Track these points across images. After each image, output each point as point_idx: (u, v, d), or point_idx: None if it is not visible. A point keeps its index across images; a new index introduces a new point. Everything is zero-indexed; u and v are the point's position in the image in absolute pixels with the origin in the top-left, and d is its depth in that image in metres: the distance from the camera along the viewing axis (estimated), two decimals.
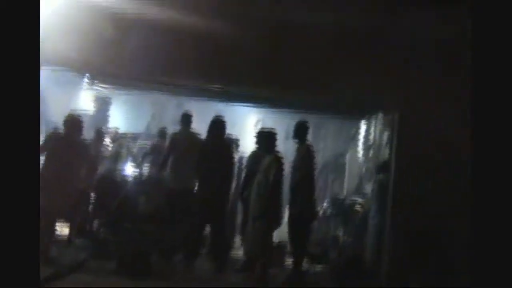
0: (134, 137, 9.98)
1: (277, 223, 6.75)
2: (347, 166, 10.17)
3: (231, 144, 7.83)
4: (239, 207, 7.92)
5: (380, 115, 8.35)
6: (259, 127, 8.27)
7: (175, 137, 7.69)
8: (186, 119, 7.68)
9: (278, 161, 6.59)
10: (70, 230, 7.78)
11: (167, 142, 8.01)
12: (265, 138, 6.99)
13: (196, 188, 7.32)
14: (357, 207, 7.92)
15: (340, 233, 8.13)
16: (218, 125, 7.16)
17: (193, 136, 7.49)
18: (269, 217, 6.48)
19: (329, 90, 7.16)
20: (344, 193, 9.72)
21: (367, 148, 9.13)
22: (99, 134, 9.08)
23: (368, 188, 8.49)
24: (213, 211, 7.02)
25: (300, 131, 7.11)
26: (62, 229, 7.78)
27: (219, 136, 7.17)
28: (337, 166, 10.48)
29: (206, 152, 7.06)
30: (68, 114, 6.95)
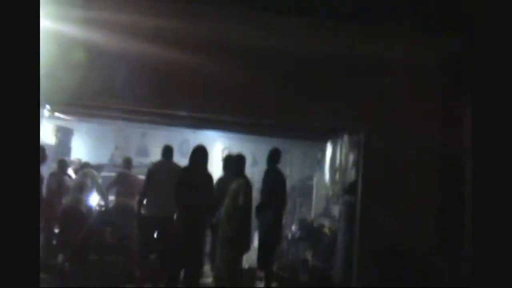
0: (98, 168, 9.82)
1: (247, 247, 6.71)
2: (314, 189, 10.25)
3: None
4: (207, 233, 7.81)
5: (346, 137, 8.45)
6: (225, 153, 8.25)
7: (154, 167, 7.61)
8: (167, 151, 7.61)
9: (246, 185, 6.57)
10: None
11: (146, 173, 7.81)
12: (233, 161, 6.99)
13: (174, 216, 7.13)
14: (325, 229, 7.95)
15: (309, 256, 8.12)
16: (200, 153, 7.10)
17: (173, 167, 7.42)
18: (238, 242, 6.44)
19: (294, 115, 7.21)
20: (312, 216, 9.76)
21: (333, 170, 9.23)
22: (62, 165, 8.93)
23: (336, 210, 8.57)
24: (191, 237, 6.90)
25: (273, 156, 7.38)
26: None
27: (202, 165, 7.09)
28: (305, 189, 10.54)
29: (186, 181, 6.98)
30: None
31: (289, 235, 8.53)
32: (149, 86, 6.84)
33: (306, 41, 6.67)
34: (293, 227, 8.99)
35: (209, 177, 7.14)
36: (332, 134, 8.74)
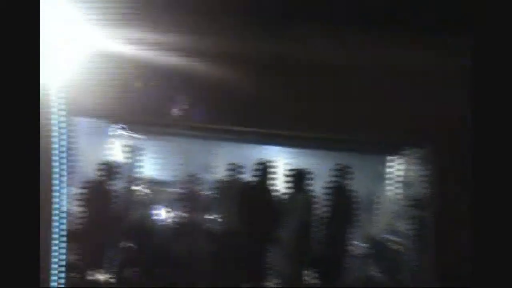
0: (165, 184, 10.05)
1: (309, 262, 6.67)
2: (378, 204, 10.06)
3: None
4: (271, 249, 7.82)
5: (409, 151, 8.26)
6: (288, 168, 8.24)
7: (221, 184, 7.77)
8: (234, 168, 7.99)
9: (308, 200, 6.57)
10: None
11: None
12: (296, 176, 7.00)
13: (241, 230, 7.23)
14: (391, 245, 7.75)
15: (375, 272, 7.94)
16: (263, 168, 7.24)
17: (240, 184, 7.57)
18: (302, 256, 6.42)
19: (357, 129, 7.13)
20: (378, 231, 9.57)
21: (399, 185, 9.03)
22: (131, 181, 9.21)
23: (402, 225, 8.37)
24: (255, 252, 6.97)
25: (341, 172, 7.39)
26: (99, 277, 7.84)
27: (264, 179, 7.20)
28: (369, 204, 10.35)
29: (249, 196, 7.11)
30: (102, 162, 7.11)
31: (354, 251, 8.38)
32: (214, 103, 6.98)
33: (369, 54, 6.62)
34: (358, 243, 8.84)
35: (271, 191, 7.23)
36: (395, 147, 8.51)
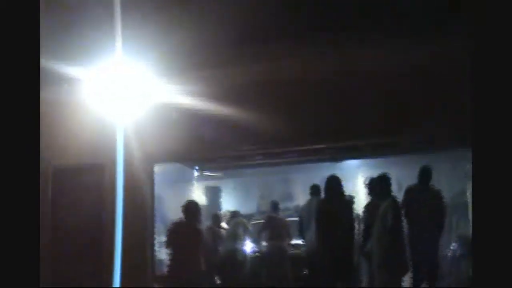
0: (247, 217, 10.17)
1: (404, 270, 6.45)
2: (469, 204, 9.61)
3: (349, 199, 7.80)
4: (363, 262, 7.65)
5: None
6: (368, 179, 8.09)
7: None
8: (315, 190, 8.13)
9: (394, 204, 6.38)
10: None
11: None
12: (377, 184, 6.86)
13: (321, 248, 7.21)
14: None
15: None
16: (333, 182, 7.21)
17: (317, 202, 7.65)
18: (394, 265, 6.21)
19: (434, 127, 6.88)
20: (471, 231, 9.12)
21: None
22: (216, 219, 9.36)
23: None
24: (341, 269, 6.89)
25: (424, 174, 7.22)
26: None
27: (336, 193, 7.18)
28: (459, 205, 9.92)
29: (325, 211, 7.08)
30: (186, 202, 7.31)
31: (449, 254, 8.02)
32: (283, 125, 7.06)
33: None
34: (452, 245, 8.45)
35: (346, 203, 7.16)
36: None
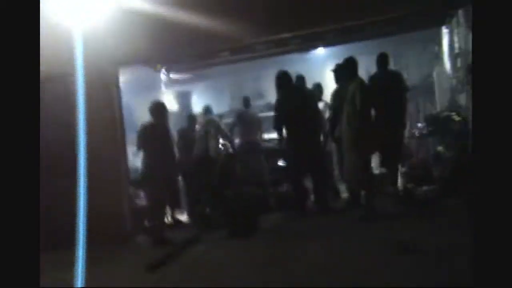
0: (219, 117, 10.18)
1: (373, 148, 6.58)
2: (436, 85, 9.74)
3: (312, 92, 7.83)
4: (333, 148, 7.81)
5: (460, 14, 7.73)
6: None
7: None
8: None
9: (361, 84, 6.38)
10: (173, 212, 8.22)
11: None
12: (345, 67, 6.82)
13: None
14: (454, 117, 7.49)
15: (441, 148, 7.75)
16: (283, 77, 7.35)
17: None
18: (363, 143, 6.30)
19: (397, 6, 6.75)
20: (438, 109, 9.31)
21: (454, 57, 8.62)
22: (192, 119, 9.29)
23: (462, 99, 8.05)
24: (311, 160, 7.07)
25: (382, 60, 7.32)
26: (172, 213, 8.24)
27: (293, 88, 7.31)
28: (426, 87, 10.06)
29: (292, 107, 7.16)
30: (152, 102, 7.25)
31: (416, 133, 8.20)
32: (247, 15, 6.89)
33: None
34: (419, 125, 8.63)
35: (309, 96, 7.38)
36: (443, 16, 7.95)
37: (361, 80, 6.51)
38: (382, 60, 7.37)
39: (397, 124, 7.08)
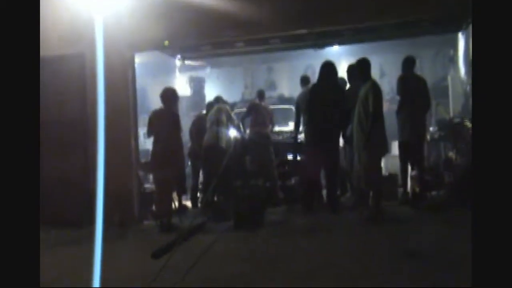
0: (231, 106, 10.19)
1: (383, 151, 6.61)
2: (450, 89, 9.70)
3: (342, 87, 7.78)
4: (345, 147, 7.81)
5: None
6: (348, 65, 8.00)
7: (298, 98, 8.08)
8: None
9: (374, 87, 6.39)
10: (180, 198, 8.26)
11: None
12: (357, 68, 6.82)
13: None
14: (466, 123, 7.47)
15: (453, 154, 7.74)
16: (327, 68, 7.20)
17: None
18: (374, 145, 6.33)
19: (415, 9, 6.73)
20: (451, 114, 9.28)
21: (469, 63, 8.58)
22: (209, 107, 9.27)
23: None
24: (330, 158, 7.04)
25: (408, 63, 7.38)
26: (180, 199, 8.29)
27: (331, 79, 7.20)
28: (440, 90, 10.01)
29: (317, 96, 7.10)
30: (164, 88, 7.27)
31: (428, 137, 8.18)
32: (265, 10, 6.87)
33: None
34: (431, 129, 8.60)
35: (339, 90, 7.17)
36: (460, 22, 7.92)
37: (374, 81, 6.51)
38: (409, 62, 7.42)
39: (420, 126, 7.16)
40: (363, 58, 6.75)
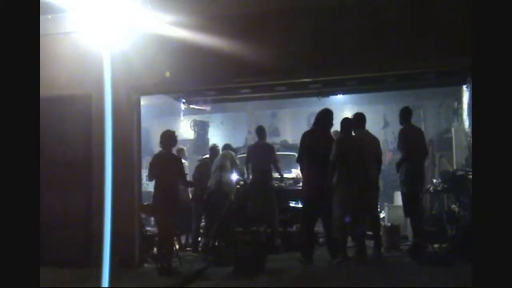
0: (235, 151, 10.22)
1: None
2: (454, 141, 9.74)
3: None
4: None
5: None
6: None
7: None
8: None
9: (368, 137, 6.61)
10: (180, 242, 8.20)
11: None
12: (354, 121, 7.13)
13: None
14: (470, 177, 7.47)
15: (456, 207, 7.73)
16: (326, 115, 7.27)
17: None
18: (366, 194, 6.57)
19: (419, 62, 6.86)
20: (454, 166, 9.29)
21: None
22: (214, 150, 9.32)
23: None
24: (323, 203, 7.01)
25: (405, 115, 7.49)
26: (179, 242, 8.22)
27: (326, 127, 7.29)
28: (443, 142, 10.06)
29: (312, 143, 7.16)
30: (164, 131, 7.33)
31: (431, 188, 8.17)
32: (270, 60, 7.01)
33: None
34: (435, 180, 8.60)
35: (330, 138, 7.25)
36: (465, 75, 8.04)
37: (368, 133, 6.88)
38: (406, 113, 7.50)
39: (417, 178, 7.22)
40: (358, 113, 7.35)
